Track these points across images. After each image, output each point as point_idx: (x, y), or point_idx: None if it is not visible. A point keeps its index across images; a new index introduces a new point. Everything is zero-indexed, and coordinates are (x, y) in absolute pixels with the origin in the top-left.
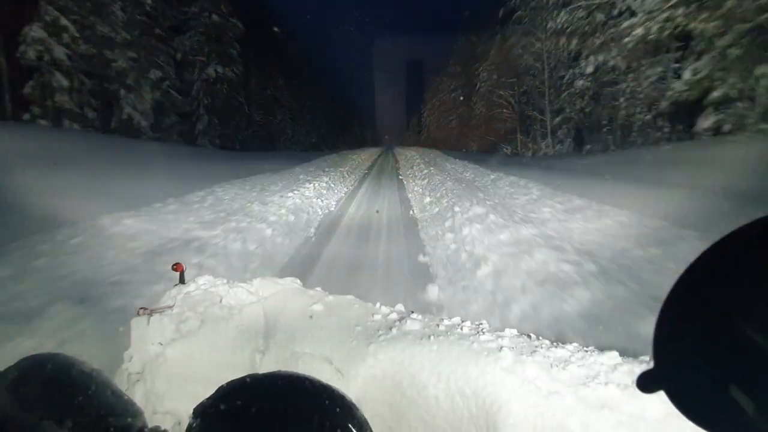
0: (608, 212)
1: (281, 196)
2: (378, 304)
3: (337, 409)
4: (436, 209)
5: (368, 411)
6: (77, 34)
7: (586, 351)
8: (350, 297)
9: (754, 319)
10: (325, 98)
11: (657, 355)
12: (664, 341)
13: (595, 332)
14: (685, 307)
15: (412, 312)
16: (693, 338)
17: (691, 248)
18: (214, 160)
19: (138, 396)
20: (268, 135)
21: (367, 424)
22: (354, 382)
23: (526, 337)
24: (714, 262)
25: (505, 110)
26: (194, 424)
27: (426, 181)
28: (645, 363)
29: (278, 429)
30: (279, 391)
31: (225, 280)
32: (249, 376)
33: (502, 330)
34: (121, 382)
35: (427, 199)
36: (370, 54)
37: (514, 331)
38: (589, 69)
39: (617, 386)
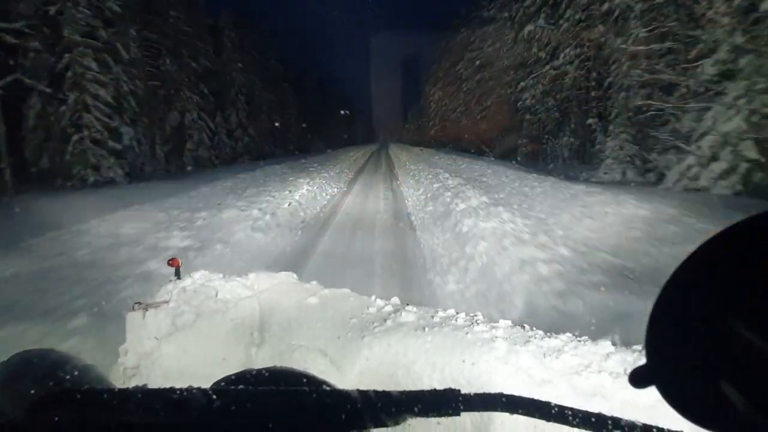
0: None
1: None
2: (373, 297)
3: (333, 406)
4: None
5: None
6: None
7: (579, 340)
8: (345, 290)
9: (747, 315)
10: (294, 84)
11: (649, 350)
12: (657, 336)
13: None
14: (679, 303)
15: (407, 304)
16: (686, 334)
17: None
18: None
19: None
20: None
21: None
22: (349, 374)
23: (519, 327)
24: (709, 258)
25: None
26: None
27: None
28: (637, 352)
29: (274, 425)
30: (274, 386)
31: (221, 275)
32: (244, 371)
33: (497, 321)
34: (116, 377)
35: None
36: (364, 39)
37: (508, 322)
38: None
39: (610, 375)
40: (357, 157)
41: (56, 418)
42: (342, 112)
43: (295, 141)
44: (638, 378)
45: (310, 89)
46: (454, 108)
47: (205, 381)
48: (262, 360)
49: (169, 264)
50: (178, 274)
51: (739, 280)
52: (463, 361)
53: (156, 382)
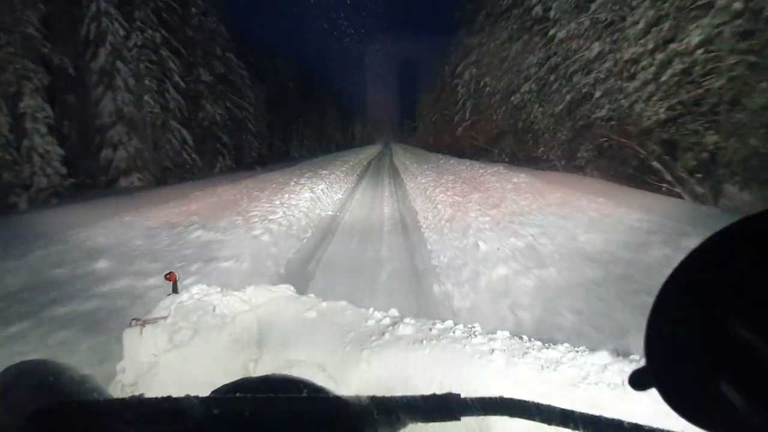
0: None
1: None
2: (371, 310)
3: (332, 412)
4: None
5: None
6: None
7: (577, 352)
8: (343, 303)
9: (746, 315)
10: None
11: (648, 353)
12: (656, 338)
13: None
14: (677, 304)
15: (405, 317)
16: (685, 335)
17: None
18: None
19: None
20: None
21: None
22: (348, 388)
23: (518, 339)
24: (705, 259)
25: None
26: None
27: None
28: (635, 362)
29: None
30: (273, 394)
31: (218, 289)
32: (243, 379)
33: (494, 333)
34: (114, 394)
35: None
36: (362, 21)
37: (506, 334)
38: None
39: (607, 386)
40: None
41: (53, 429)
42: (333, 107)
43: (257, 146)
44: (638, 380)
45: (287, 77)
46: (509, 87)
47: (203, 395)
48: (260, 374)
49: (166, 278)
50: (175, 289)
51: (738, 279)
52: (462, 373)
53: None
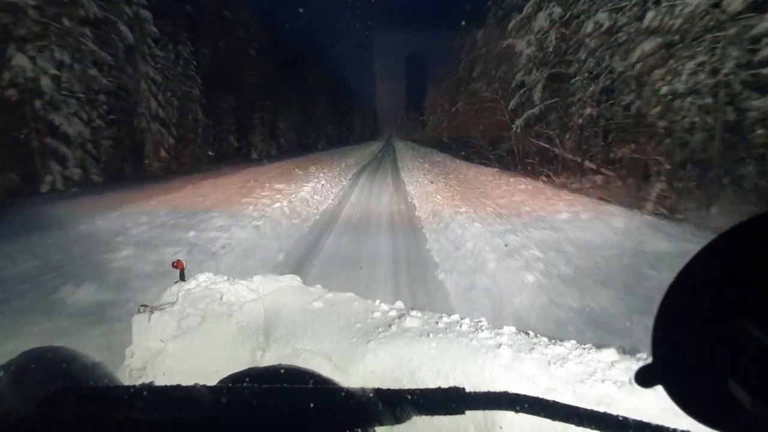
0: None
1: None
2: (377, 302)
3: (337, 404)
4: None
5: None
6: None
7: (584, 348)
8: (350, 294)
9: (752, 313)
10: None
11: (655, 350)
12: (663, 336)
13: None
14: (684, 302)
15: (412, 309)
16: (691, 333)
17: None
18: None
19: None
20: None
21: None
22: (353, 378)
23: (524, 334)
24: (713, 257)
25: None
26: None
27: None
28: (642, 360)
29: (279, 423)
30: (279, 384)
31: (225, 277)
32: (250, 369)
33: (501, 328)
34: (122, 379)
35: None
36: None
37: (513, 329)
38: None
39: (614, 383)
40: None
41: (64, 414)
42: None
43: (170, 142)
44: (644, 377)
45: (247, 40)
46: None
47: (210, 383)
48: (267, 363)
49: (173, 266)
50: (182, 277)
51: (747, 278)
52: (468, 367)
53: (162, 383)
